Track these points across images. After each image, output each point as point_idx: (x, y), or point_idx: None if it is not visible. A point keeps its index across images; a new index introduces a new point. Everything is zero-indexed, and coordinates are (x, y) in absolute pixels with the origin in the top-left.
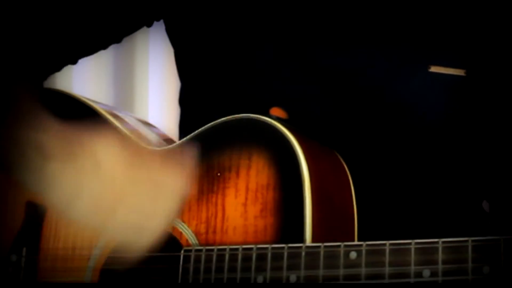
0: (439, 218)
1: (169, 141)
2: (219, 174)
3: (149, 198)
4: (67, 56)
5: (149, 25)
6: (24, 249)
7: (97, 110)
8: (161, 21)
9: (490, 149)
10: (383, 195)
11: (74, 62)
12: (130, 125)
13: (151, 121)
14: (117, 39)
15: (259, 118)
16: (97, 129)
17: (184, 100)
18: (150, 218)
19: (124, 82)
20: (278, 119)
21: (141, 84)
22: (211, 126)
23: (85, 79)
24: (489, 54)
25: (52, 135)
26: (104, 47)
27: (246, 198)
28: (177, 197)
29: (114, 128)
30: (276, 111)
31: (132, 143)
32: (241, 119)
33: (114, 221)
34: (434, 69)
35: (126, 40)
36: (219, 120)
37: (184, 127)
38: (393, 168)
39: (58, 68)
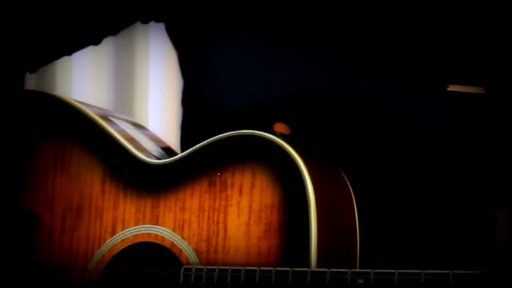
0: (444, 238)
1: (164, 147)
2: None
3: None
4: (58, 48)
5: (144, 21)
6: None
7: (88, 115)
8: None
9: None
10: (385, 213)
11: (69, 53)
12: (124, 130)
13: (151, 122)
14: (111, 33)
15: (263, 135)
16: None
17: (187, 100)
18: None
19: (124, 82)
20: (282, 135)
21: (141, 84)
22: (213, 141)
23: (85, 79)
24: (508, 70)
25: None
26: (97, 41)
27: (249, 218)
28: None
29: None
30: (280, 126)
31: None
32: (244, 135)
33: None
34: (452, 88)
35: (126, 40)
36: (221, 135)
37: (186, 128)
38: (397, 186)
39: (52, 59)
